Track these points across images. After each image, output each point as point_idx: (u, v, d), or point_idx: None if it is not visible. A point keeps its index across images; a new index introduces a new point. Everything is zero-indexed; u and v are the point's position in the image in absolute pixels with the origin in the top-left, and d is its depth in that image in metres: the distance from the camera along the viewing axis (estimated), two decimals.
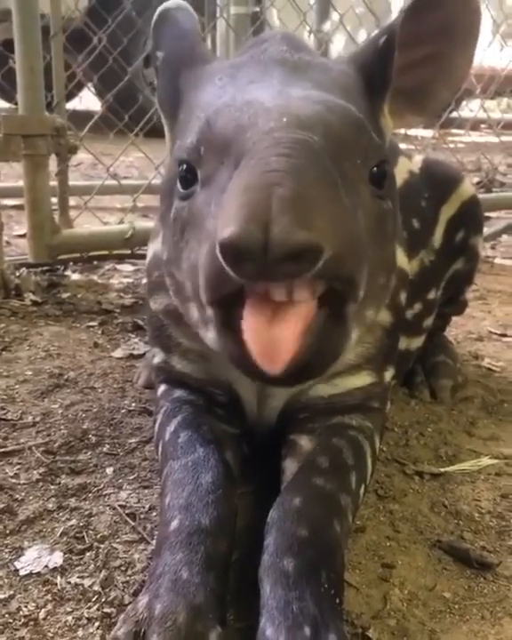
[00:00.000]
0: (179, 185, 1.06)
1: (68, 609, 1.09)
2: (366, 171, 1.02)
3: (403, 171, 1.81)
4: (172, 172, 1.13)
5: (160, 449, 1.32)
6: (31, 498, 1.35)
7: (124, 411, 1.71)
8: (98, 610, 1.08)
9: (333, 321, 0.90)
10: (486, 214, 4.13)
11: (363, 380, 1.37)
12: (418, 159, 1.99)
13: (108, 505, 1.34)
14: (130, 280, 2.84)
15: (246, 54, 1.17)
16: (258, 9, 4.05)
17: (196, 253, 0.98)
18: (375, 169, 1.03)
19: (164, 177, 1.21)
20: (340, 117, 0.97)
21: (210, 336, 0.99)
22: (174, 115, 1.21)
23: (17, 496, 1.35)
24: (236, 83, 1.07)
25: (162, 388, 1.44)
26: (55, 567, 1.17)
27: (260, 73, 1.07)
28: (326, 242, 0.80)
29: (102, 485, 1.40)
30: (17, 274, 2.48)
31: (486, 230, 3.91)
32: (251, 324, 0.87)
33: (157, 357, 1.45)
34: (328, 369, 0.94)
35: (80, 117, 3.41)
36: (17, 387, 1.80)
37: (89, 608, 1.09)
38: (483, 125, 7.71)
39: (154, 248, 1.41)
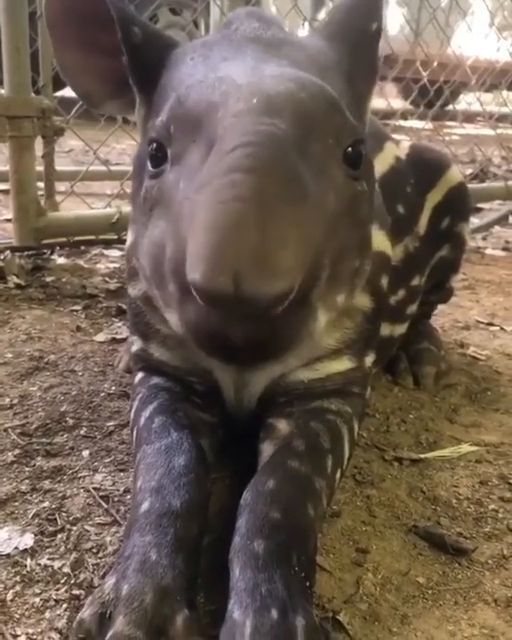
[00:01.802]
0: (149, 164, 1.04)
1: (37, 591, 1.07)
2: (340, 150, 1.00)
3: (389, 156, 1.79)
4: (142, 152, 1.12)
5: (134, 434, 1.31)
6: (4, 479, 1.33)
7: (103, 394, 1.69)
8: (66, 592, 1.07)
9: (295, 303, 0.87)
10: (478, 205, 4.14)
11: (343, 364, 1.36)
12: (405, 145, 1.97)
13: (83, 487, 1.32)
14: (116, 265, 2.81)
15: (219, 34, 1.15)
16: None
17: (162, 231, 0.97)
18: (350, 149, 1.02)
19: (135, 157, 1.19)
20: (311, 96, 0.95)
21: (174, 318, 0.97)
22: (149, 94, 1.18)
23: None
24: (209, 61, 1.05)
25: (139, 375, 1.43)
26: (25, 549, 1.15)
27: (233, 51, 1.06)
28: (297, 279, 0.81)
29: (77, 468, 1.39)
30: (1, 257, 2.46)
31: (478, 222, 3.93)
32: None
33: (136, 345, 1.43)
34: (289, 350, 0.92)
35: (72, 104, 3.37)
36: None
37: (57, 590, 1.07)
38: (478, 118, 7.70)
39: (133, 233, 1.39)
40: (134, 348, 1.44)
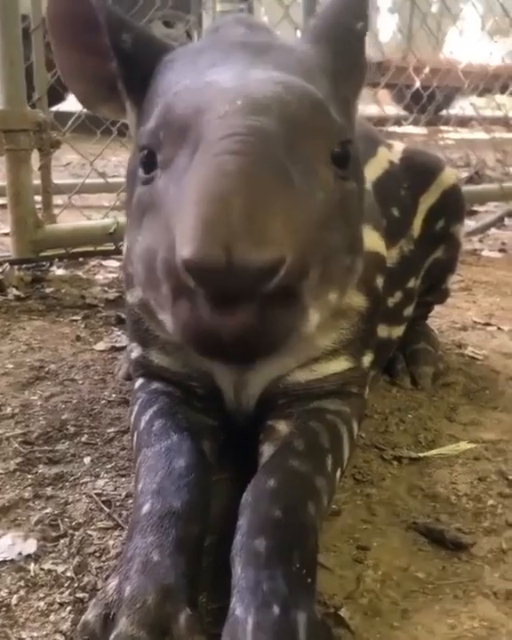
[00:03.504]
0: (140, 170, 1.06)
1: (41, 595, 1.08)
2: (327, 151, 1.01)
3: (383, 160, 1.81)
4: (134, 159, 1.13)
5: (135, 438, 1.32)
6: (7, 487, 1.34)
7: (103, 402, 1.71)
8: (70, 595, 1.08)
9: (284, 293, 0.87)
10: (474, 208, 4.16)
11: (340, 365, 1.37)
12: (398, 149, 1.98)
13: (85, 493, 1.33)
14: (114, 275, 2.82)
15: (207, 40, 1.17)
16: (244, 6, 4.05)
17: (153, 235, 0.98)
18: (337, 149, 1.03)
19: (128, 165, 1.21)
20: (297, 98, 0.96)
21: (168, 320, 0.97)
22: (139, 100, 1.19)
23: None
24: (197, 67, 1.07)
25: (139, 381, 1.44)
26: (29, 554, 1.16)
27: (221, 56, 1.07)
28: (287, 252, 0.81)
29: (79, 474, 1.40)
30: (0, 269, 2.47)
31: (475, 224, 3.94)
32: None
33: (135, 352, 1.44)
34: (280, 347, 0.92)
35: (68, 118, 3.40)
36: None
37: (61, 593, 1.08)
38: (472, 122, 7.72)
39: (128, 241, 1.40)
40: (134, 355, 1.45)
